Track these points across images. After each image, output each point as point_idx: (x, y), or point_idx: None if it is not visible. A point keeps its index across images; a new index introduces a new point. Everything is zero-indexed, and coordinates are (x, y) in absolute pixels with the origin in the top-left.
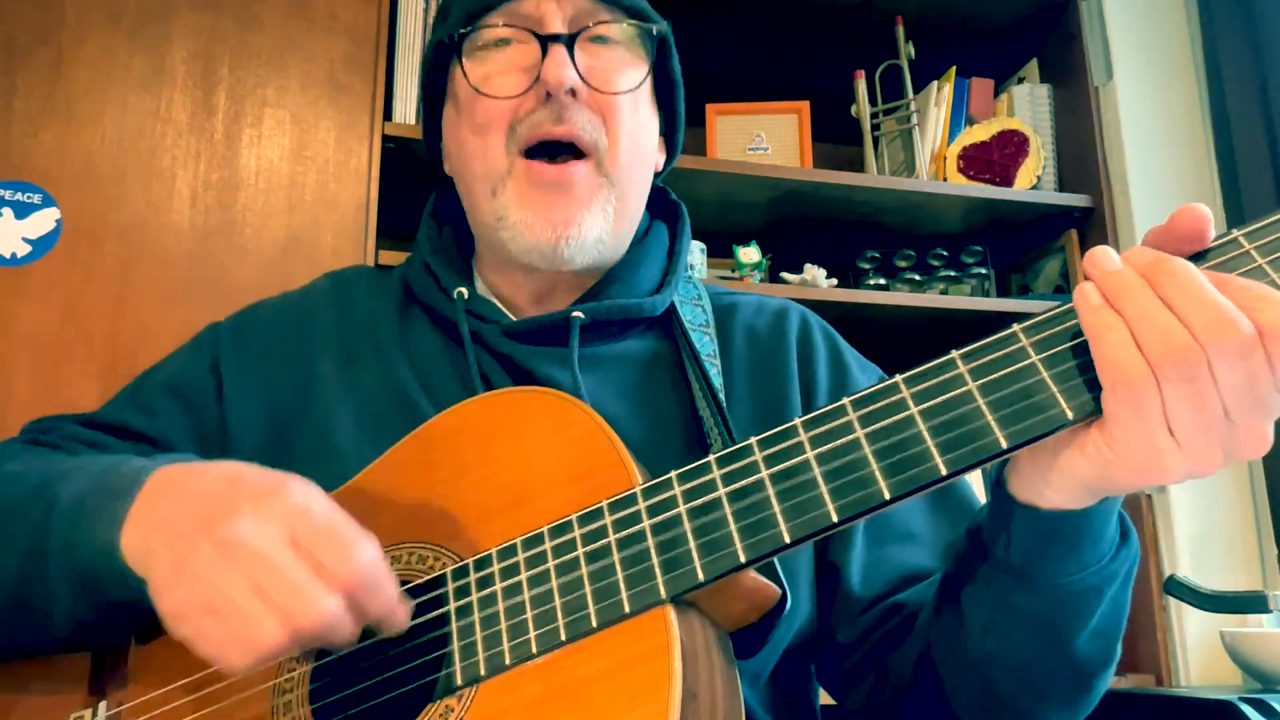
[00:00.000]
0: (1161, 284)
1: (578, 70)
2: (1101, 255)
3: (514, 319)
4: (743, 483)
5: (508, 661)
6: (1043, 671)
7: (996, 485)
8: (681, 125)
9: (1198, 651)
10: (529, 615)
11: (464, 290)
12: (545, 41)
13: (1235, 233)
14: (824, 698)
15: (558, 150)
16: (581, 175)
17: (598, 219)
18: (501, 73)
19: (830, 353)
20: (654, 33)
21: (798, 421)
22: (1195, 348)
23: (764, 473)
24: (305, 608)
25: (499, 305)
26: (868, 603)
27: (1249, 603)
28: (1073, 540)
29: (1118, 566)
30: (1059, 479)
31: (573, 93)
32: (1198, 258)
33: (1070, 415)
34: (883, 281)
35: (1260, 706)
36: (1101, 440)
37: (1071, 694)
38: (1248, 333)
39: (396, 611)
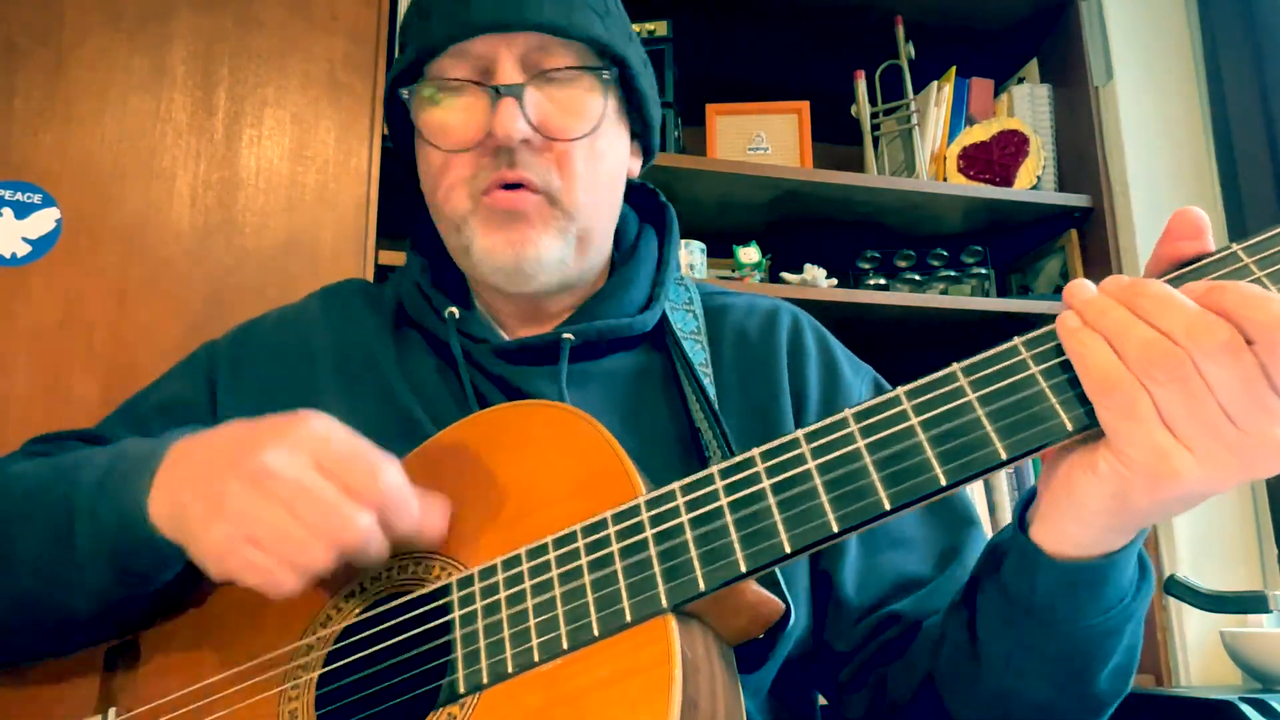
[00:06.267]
0: (1136, 302)
1: (528, 120)
2: (1078, 286)
3: (507, 338)
4: (744, 493)
5: (510, 669)
6: (1061, 707)
7: (1019, 530)
8: (654, 129)
9: (1198, 651)
10: (531, 623)
11: (455, 311)
12: (496, 92)
13: (1234, 246)
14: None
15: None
16: (533, 204)
17: (556, 242)
18: (456, 124)
19: (821, 355)
20: (604, 78)
21: (800, 433)
22: (1176, 350)
23: (766, 483)
24: (342, 524)
25: (493, 324)
26: (863, 611)
27: (1249, 603)
28: (1096, 585)
29: (1138, 605)
30: (1081, 513)
31: (526, 139)
32: (1197, 271)
33: (1070, 427)
34: (883, 281)
35: (1260, 706)
36: (1110, 454)
37: None
38: (1227, 334)
39: (425, 527)
